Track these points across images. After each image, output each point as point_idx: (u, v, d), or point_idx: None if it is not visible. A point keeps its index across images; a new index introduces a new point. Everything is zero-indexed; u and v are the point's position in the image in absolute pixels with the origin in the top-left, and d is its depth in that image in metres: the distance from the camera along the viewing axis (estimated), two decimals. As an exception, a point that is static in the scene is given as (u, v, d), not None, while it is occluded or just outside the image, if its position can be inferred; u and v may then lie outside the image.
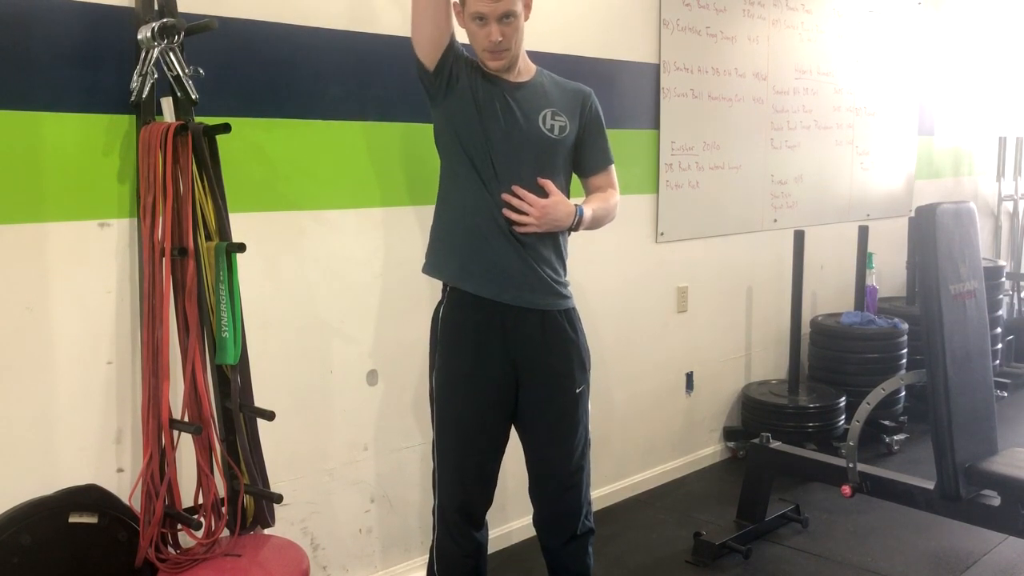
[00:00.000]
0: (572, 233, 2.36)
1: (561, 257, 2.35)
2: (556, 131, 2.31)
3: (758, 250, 4.23)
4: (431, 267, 2.36)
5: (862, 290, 4.52)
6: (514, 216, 2.23)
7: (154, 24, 2.08)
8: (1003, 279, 5.31)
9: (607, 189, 2.46)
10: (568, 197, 2.33)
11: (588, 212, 2.34)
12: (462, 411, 2.31)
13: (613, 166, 2.48)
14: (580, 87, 2.41)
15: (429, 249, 2.37)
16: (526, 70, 2.34)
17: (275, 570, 2.14)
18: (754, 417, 4.06)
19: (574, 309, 2.37)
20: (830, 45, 4.47)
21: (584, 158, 2.42)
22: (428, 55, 2.23)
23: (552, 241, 2.31)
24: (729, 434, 4.18)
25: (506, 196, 2.23)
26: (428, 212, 2.40)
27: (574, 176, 2.46)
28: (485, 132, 2.24)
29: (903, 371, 4.26)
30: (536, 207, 2.23)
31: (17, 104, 2.01)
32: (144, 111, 2.15)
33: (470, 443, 2.32)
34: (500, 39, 2.19)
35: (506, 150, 2.25)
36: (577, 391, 2.35)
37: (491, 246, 2.25)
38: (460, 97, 2.25)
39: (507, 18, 2.18)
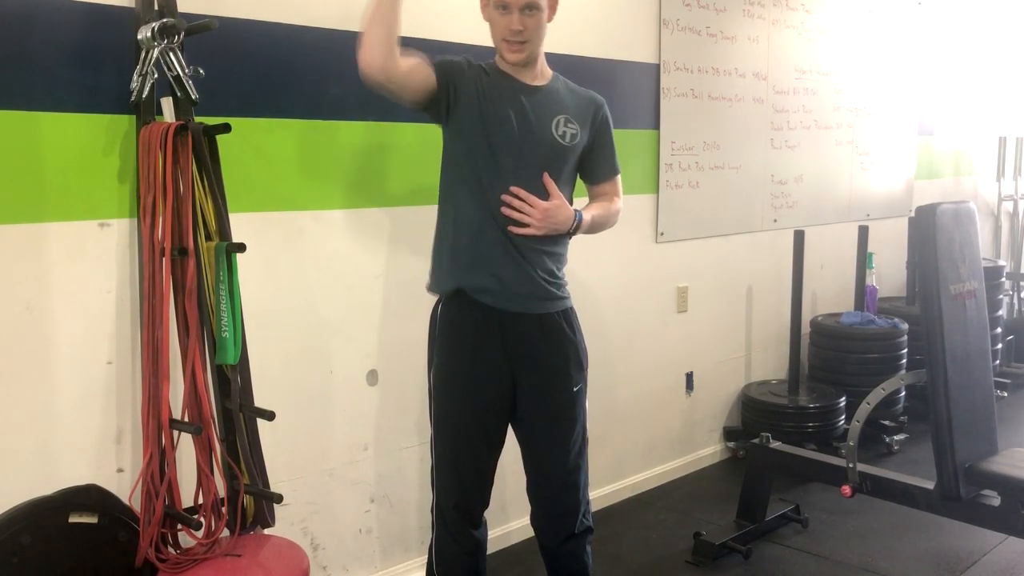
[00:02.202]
0: (571, 237, 2.36)
1: (559, 259, 2.34)
2: (567, 138, 2.30)
3: (758, 250, 4.22)
4: (434, 286, 2.34)
5: (862, 290, 4.52)
6: (515, 215, 2.23)
7: (154, 24, 2.08)
8: (1003, 279, 5.31)
9: (612, 197, 2.47)
10: (571, 204, 2.33)
11: (587, 217, 2.34)
12: (459, 409, 2.31)
13: (619, 176, 2.48)
14: (593, 96, 2.41)
15: (431, 267, 2.35)
16: (544, 74, 2.34)
17: (275, 570, 2.14)
18: (754, 417, 4.05)
19: (571, 309, 2.37)
20: (830, 45, 4.47)
21: (592, 166, 2.42)
22: (421, 101, 2.22)
23: (552, 245, 2.30)
24: (729, 434, 4.18)
25: (506, 197, 2.22)
26: (428, 212, 2.39)
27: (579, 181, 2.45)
28: (491, 136, 2.23)
29: (903, 371, 4.25)
30: (538, 209, 2.22)
31: (17, 104, 2.01)
32: (144, 111, 2.15)
33: (466, 441, 2.32)
34: (521, 28, 2.19)
35: (516, 154, 2.24)
36: (574, 390, 2.34)
37: (492, 259, 2.23)
38: (466, 106, 2.24)
39: (530, 9, 2.19)
